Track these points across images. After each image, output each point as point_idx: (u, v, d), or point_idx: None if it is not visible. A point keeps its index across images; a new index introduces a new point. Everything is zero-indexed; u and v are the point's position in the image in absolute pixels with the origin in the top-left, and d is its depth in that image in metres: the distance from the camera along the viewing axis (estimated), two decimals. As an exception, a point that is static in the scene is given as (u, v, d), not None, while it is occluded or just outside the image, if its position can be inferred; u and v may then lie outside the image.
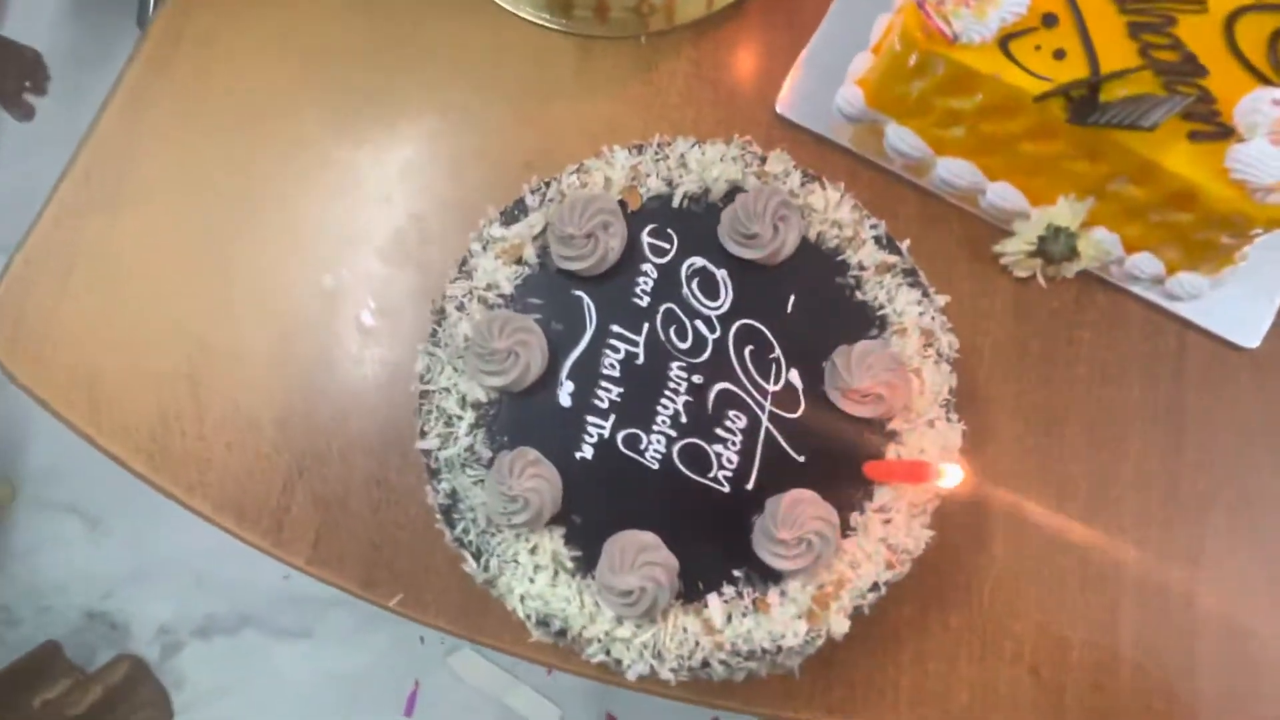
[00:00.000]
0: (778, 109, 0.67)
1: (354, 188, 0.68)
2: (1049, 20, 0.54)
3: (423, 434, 0.53)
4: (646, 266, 0.54)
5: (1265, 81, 0.53)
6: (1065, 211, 0.59)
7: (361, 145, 0.69)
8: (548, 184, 0.55)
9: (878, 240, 0.53)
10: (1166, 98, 0.51)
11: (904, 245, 0.54)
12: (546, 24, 0.68)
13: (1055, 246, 0.60)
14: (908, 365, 0.50)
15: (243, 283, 0.67)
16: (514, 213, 0.55)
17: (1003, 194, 0.62)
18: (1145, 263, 0.61)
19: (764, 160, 0.54)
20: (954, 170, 0.62)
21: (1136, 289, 0.63)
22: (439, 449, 0.51)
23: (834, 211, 0.53)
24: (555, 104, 0.68)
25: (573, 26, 0.68)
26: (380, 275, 0.66)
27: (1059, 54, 0.54)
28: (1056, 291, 0.62)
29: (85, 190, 0.69)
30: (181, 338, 0.66)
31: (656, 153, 0.54)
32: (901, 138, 0.63)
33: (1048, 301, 0.62)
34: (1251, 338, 0.62)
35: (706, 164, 0.53)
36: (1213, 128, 0.52)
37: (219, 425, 0.65)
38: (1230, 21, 0.54)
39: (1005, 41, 0.54)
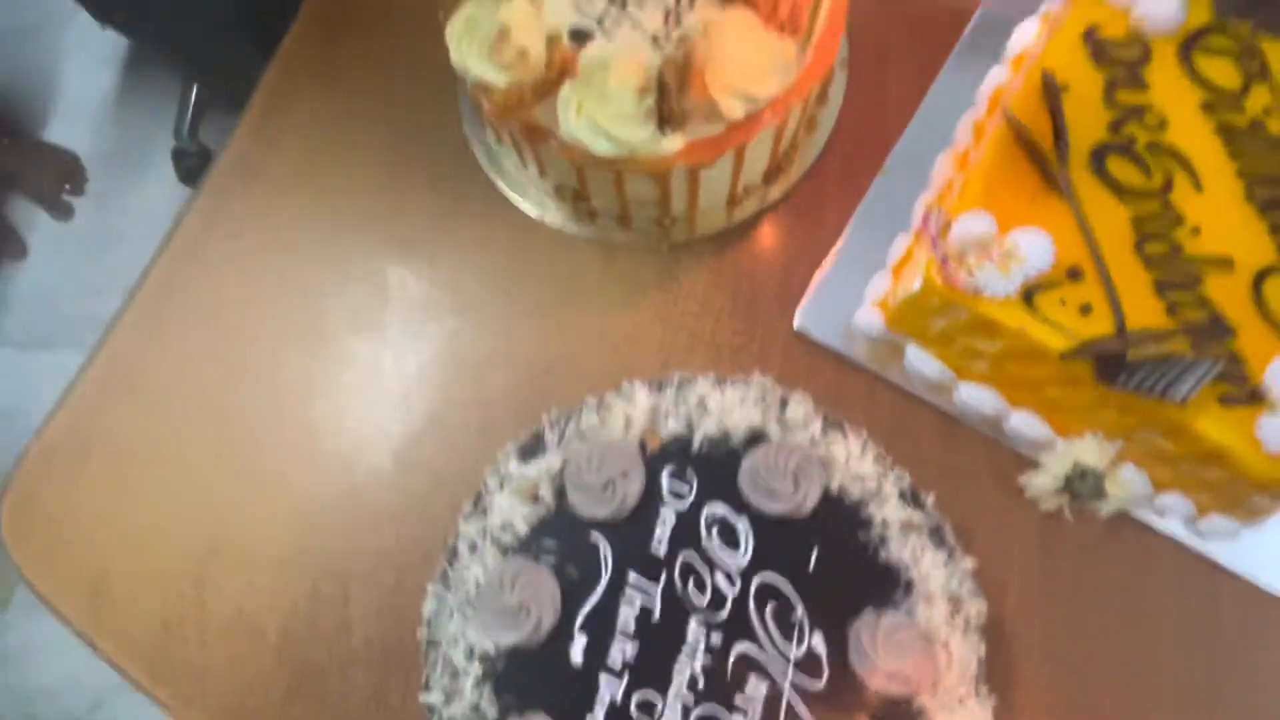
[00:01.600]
0: (796, 324, 0.67)
1: (374, 385, 0.68)
2: (1074, 274, 0.54)
3: (427, 685, 0.51)
4: (665, 511, 0.53)
5: (1295, 345, 0.52)
6: (1093, 450, 0.58)
7: (384, 343, 0.69)
8: (567, 420, 0.55)
9: (901, 495, 0.52)
10: (1196, 362, 0.50)
11: (928, 500, 0.53)
12: (570, 230, 0.70)
13: (1082, 486, 0.58)
14: (934, 637, 0.48)
15: (256, 480, 0.67)
16: (532, 448, 0.55)
17: (1027, 424, 0.61)
18: (1176, 502, 0.59)
19: (785, 404, 0.54)
20: (976, 396, 0.62)
21: (1166, 527, 0.61)
22: (443, 704, 0.50)
23: (856, 463, 0.52)
24: (577, 310, 0.68)
25: (596, 234, 0.69)
26: (394, 482, 0.66)
27: (1085, 309, 0.54)
28: (1084, 526, 0.61)
29: (107, 379, 0.70)
30: (191, 537, 0.65)
31: (677, 392, 0.54)
32: (922, 360, 0.63)
33: (1075, 537, 0.60)
34: (1288, 585, 0.60)
35: (726, 408, 0.53)
36: (1243, 392, 0.52)
37: (222, 632, 0.63)
38: (1259, 281, 0.54)
39: (1029, 294, 0.54)
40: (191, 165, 1.95)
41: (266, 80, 0.76)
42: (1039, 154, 0.56)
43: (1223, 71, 0.58)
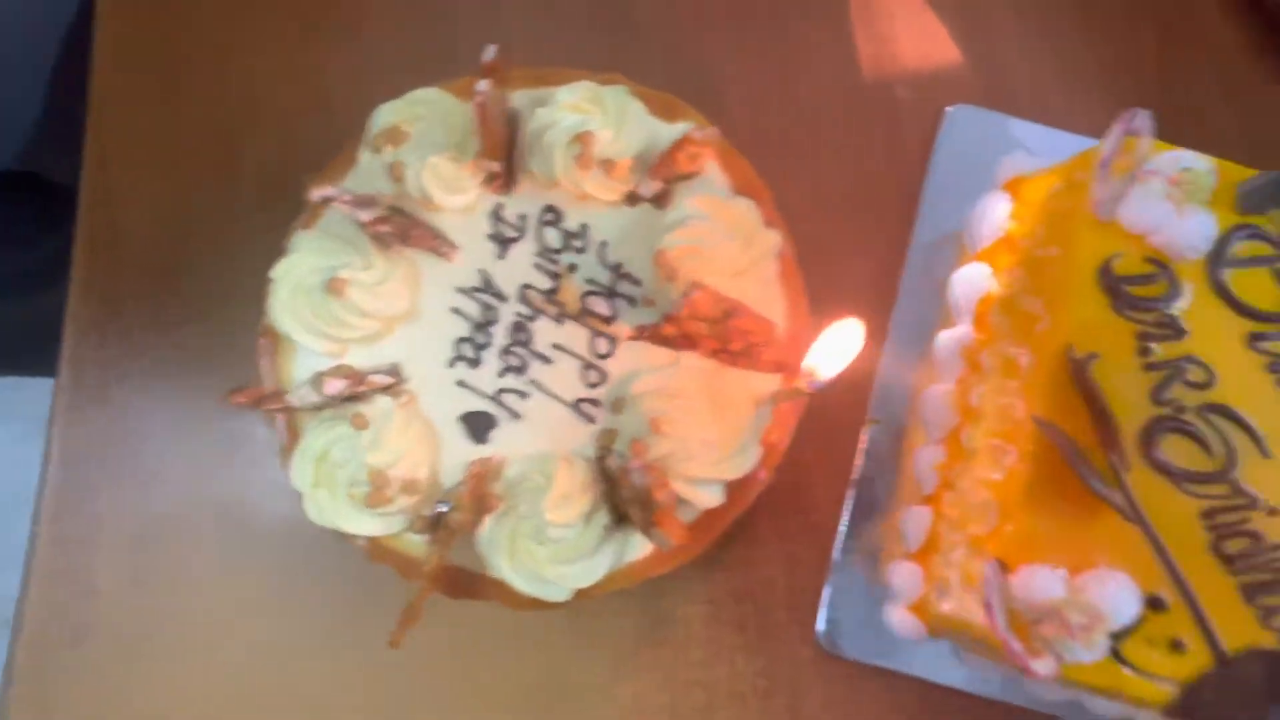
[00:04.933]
0: (819, 641, 0.56)
1: None
2: (1156, 604, 0.45)
3: None
4: None
5: (1402, 624, 0.46)
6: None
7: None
8: None
9: None
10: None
11: None
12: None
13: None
14: None
15: None
16: None
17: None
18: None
19: None
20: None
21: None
22: None
23: None
24: (556, 692, 0.55)
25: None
26: None
27: (1176, 645, 0.45)
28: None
29: None
30: None
31: None
32: (988, 666, 0.54)
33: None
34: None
35: None
36: (1361, 699, 0.46)
37: None
38: (1348, 556, 0.47)
39: (1116, 645, 0.45)
40: None
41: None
42: (1086, 464, 0.46)
43: (1261, 288, 0.48)
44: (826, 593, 0.56)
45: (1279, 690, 0.43)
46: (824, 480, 0.57)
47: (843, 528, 0.56)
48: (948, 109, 0.61)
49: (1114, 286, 0.48)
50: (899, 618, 0.55)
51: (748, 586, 0.56)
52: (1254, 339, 0.48)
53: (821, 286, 0.58)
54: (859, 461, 0.57)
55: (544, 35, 0.61)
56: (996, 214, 0.57)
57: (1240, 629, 0.46)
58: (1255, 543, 0.46)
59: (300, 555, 0.54)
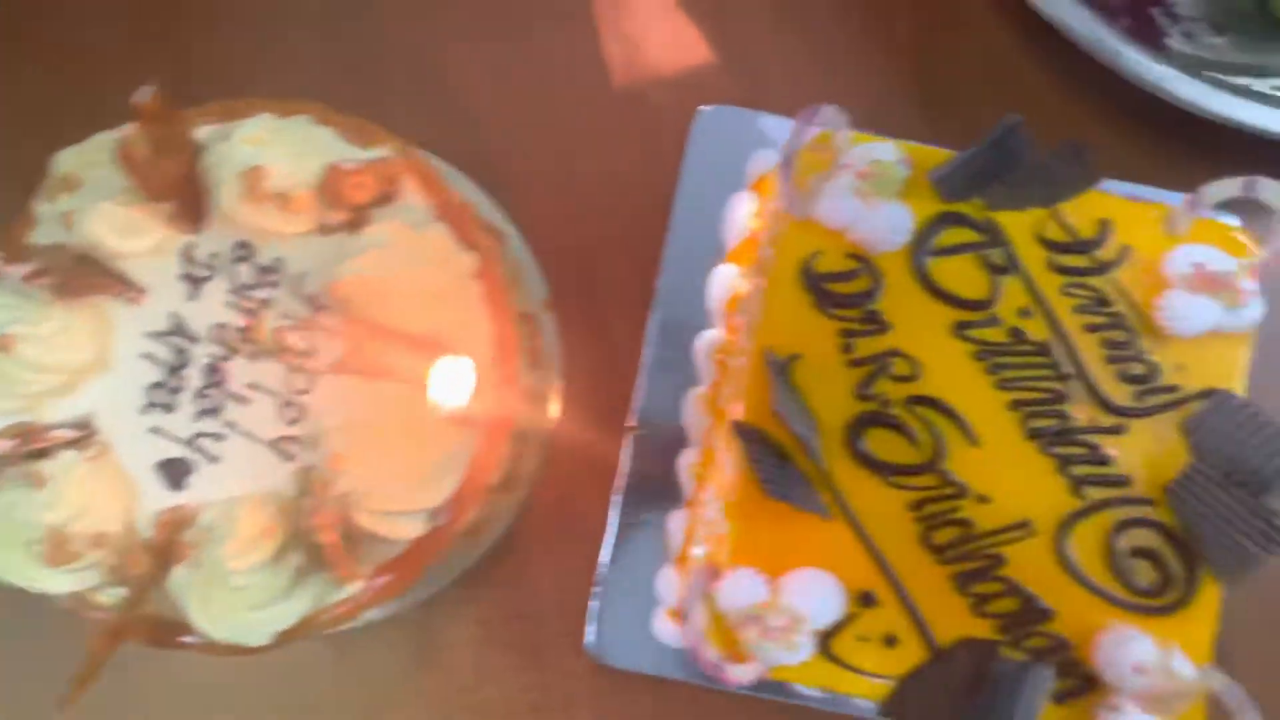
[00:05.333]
0: (589, 653, 0.56)
1: None
2: (867, 600, 0.45)
3: None
4: None
5: (1113, 600, 0.46)
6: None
7: None
8: None
9: None
10: (1019, 681, 0.44)
11: None
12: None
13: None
14: None
15: None
16: None
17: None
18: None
19: None
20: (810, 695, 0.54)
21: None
22: None
23: None
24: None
25: (318, 631, 0.55)
26: None
27: (889, 640, 0.45)
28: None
29: None
30: None
31: None
32: (741, 671, 0.54)
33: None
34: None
35: None
36: (1077, 681, 0.45)
37: None
38: (1060, 538, 0.47)
39: (826, 644, 0.45)
40: None
41: None
42: (789, 464, 0.46)
43: (965, 276, 0.48)
44: (594, 604, 0.56)
45: (985, 679, 0.43)
46: (594, 491, 0.57)
47: (609, 537, 0.56)
48: (700, 109, 0.60)
49: (816, 285, 0.47)
50: (662, 625, 0.55)
51: (519, 604, 0.56)
52: (959, 328, 0.48)
53: (581, 295, 0.58)
54: (622, 470, 0.57)
55: (282, 67, 0.60)
56: (741, 214, 0.57)
57: (953, 620, 0.46)
58: (965, 531, 0.46)
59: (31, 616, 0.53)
